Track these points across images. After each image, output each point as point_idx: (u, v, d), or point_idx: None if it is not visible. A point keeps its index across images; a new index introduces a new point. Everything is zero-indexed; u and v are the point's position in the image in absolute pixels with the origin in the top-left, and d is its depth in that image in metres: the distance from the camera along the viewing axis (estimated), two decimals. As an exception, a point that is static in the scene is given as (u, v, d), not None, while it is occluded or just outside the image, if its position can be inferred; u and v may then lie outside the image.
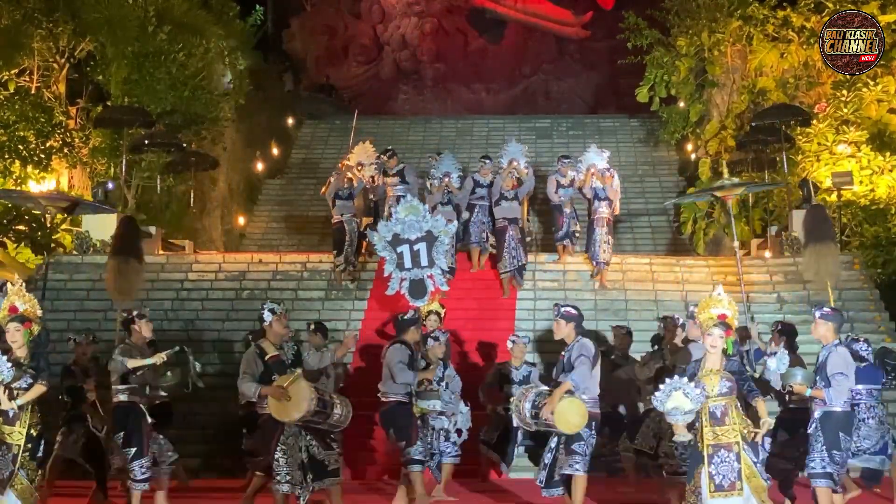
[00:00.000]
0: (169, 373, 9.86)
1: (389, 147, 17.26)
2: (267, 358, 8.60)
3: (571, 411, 8.64)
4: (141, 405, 9.27)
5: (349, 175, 16.08)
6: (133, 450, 9.10)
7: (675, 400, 7.28)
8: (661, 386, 7.36)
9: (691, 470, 7.54)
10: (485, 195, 15.91)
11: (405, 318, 10.22)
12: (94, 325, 14.90)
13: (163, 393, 10.31)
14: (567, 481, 8.89)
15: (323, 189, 16.77)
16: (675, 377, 7.42)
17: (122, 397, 9.28)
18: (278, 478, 8.55)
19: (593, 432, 8.88)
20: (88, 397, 10.86)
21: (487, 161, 16.26)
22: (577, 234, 16.64)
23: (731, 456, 7.23)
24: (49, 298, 15.33)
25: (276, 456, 8.53)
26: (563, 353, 9.02)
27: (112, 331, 15.03)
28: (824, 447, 8.20)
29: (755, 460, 7.31)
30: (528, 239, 17.28)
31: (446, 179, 15.92)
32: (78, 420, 10.73)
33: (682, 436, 7.47)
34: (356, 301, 15.72)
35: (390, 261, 12.99)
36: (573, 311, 9.07)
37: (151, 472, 9.25)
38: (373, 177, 16.68)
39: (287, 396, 8.35)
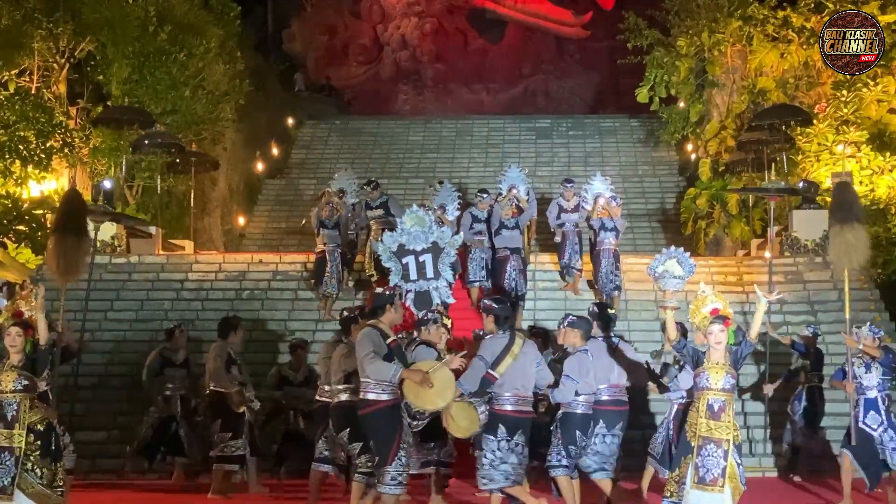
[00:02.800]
0: None
1: (373, 179, 16.49)
2: (389, 341, 7.95)
3: (459, 414, 7.94)
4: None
5: (332, 203, 15.28)
6: (360, 444, 8.68)
7: (669, 265, 7.77)
8: (658, 254, 7.97)
9: (677, 459, 7.67)
10: (484, 230, 15.03)
11: (425, 317, 9.46)
12: (95, 325, 14.92)
13: None
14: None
15: (304, 220, 16.32)
16: (672, 248, 8.06)
17: (344, 397, 9.07)
18: (394, 481, 7.86)
19: (501, 438, 8.02)
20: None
21: (485, 195, 15.26)
22: (578, 272, 15.50)
23: (718, 452, 7.34)
24: (49, 298, 15.32)
25: (399, 455, 7.84)
26: None
27: (112, 331, 15.16)
28: (561, 443, 8.81)
29: (739, 462, 7.43)
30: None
31: (439, 212, 15.16)
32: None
33: (669, 301, 7.84)
34: (356, 301, 15.70)
35: (395, 272, 12.96)
36: (490, 304, 8.39)
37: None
38: (353, 205, 15.93)
39: (430, 383, 7.70)
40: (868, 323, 10.49)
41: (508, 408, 8.06)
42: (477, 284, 14.95)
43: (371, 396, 7.91)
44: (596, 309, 9.56)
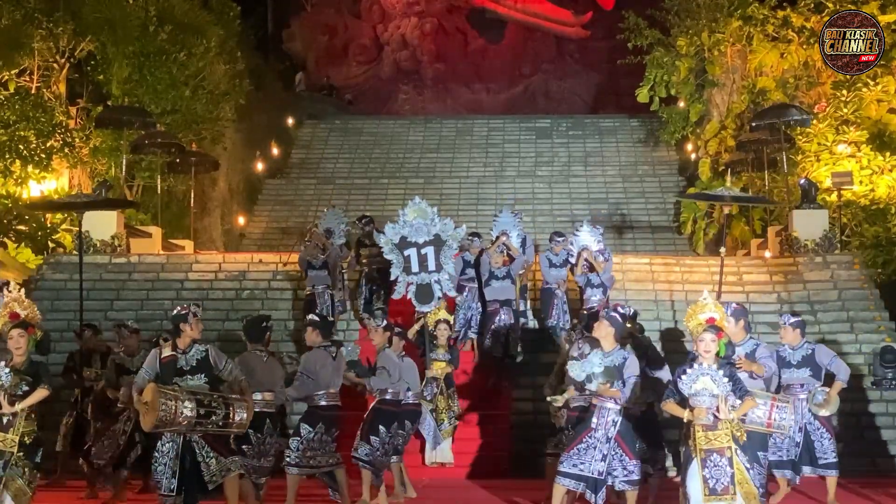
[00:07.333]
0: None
1: (366, 214, 15.61)
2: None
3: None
4: None
5: (318, 243, 14.53)
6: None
7: (703, 383, 7.35)
8: (687, 371, 7.42)
9: (684, 474, 7.57)
10: (475, 276, 14.03)
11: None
12: (94, 324, 14.88)
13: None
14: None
15: (288, 254, 15.96)
16: (703, 365, 7.47)
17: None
18: None
19: (261, 434, 9.18)
20: (85, 385, 11.50)
21: (476, 239, 14.26)
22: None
23: (723, 460, 7.26)
24: (49, 298, 15.37)
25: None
26: None
27: (112, 331, 15.13)
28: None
29: (748, 466, 7.34)
30: (523, 322, 14.29)
31: None
32: (71, 406, 11.64)
33: (705, 418, 7.37)
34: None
35: (397, 264, 12.84)
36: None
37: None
38: (341, 245, 15.07)
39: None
40: None
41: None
42: (463, 336, 13.86)
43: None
44: None
